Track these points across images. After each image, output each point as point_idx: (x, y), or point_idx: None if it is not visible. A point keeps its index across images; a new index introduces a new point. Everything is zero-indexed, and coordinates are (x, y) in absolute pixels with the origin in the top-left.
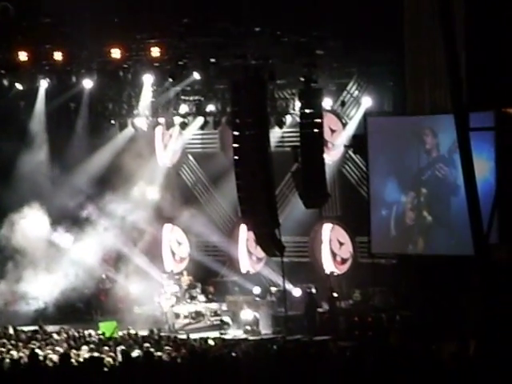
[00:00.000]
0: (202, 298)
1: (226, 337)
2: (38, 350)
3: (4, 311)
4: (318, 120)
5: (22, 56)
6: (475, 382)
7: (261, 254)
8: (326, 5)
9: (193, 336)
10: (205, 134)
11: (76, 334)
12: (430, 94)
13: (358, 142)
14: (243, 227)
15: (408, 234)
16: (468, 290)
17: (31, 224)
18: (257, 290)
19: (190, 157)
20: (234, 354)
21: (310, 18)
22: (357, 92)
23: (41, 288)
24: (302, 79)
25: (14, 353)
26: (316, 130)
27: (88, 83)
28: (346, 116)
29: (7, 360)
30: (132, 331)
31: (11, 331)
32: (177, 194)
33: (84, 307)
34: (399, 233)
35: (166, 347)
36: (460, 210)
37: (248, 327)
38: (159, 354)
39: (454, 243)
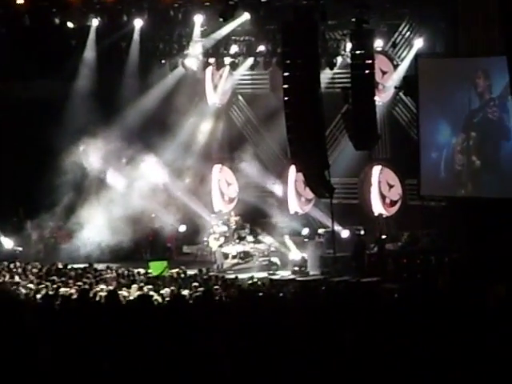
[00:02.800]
0: (250, 238)
1: (274, 277)
2: (87, 287)
3: (55, 248)
4: (369, 61)
5: None
6: None
7: (310, 195)
8: None
9: (241, 276)
10: (255, 75)
11: (126, 273)
12: (482, 35)
13: (409, 84)
14: (292, 168)
15: (457, 177)
16: None
17: (84, 163)
18: (305, 231)
19: (240, 97)
20: (281, 295)
21: None
22: (408, 33)
23: (91, 226)
24: (354, 20)
25: (63, 290)
26: (367, 72)
27: (139, 22)
28: (398, 57)
29: (58, 297)
30: (181, 270)
31: (61, 268)
32: (226, 135)
33: (134, 246)
34: (449, 176)
35: (215, 287)
36: (510, 154)
37: (296, 268)
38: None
39: (503, 187)
